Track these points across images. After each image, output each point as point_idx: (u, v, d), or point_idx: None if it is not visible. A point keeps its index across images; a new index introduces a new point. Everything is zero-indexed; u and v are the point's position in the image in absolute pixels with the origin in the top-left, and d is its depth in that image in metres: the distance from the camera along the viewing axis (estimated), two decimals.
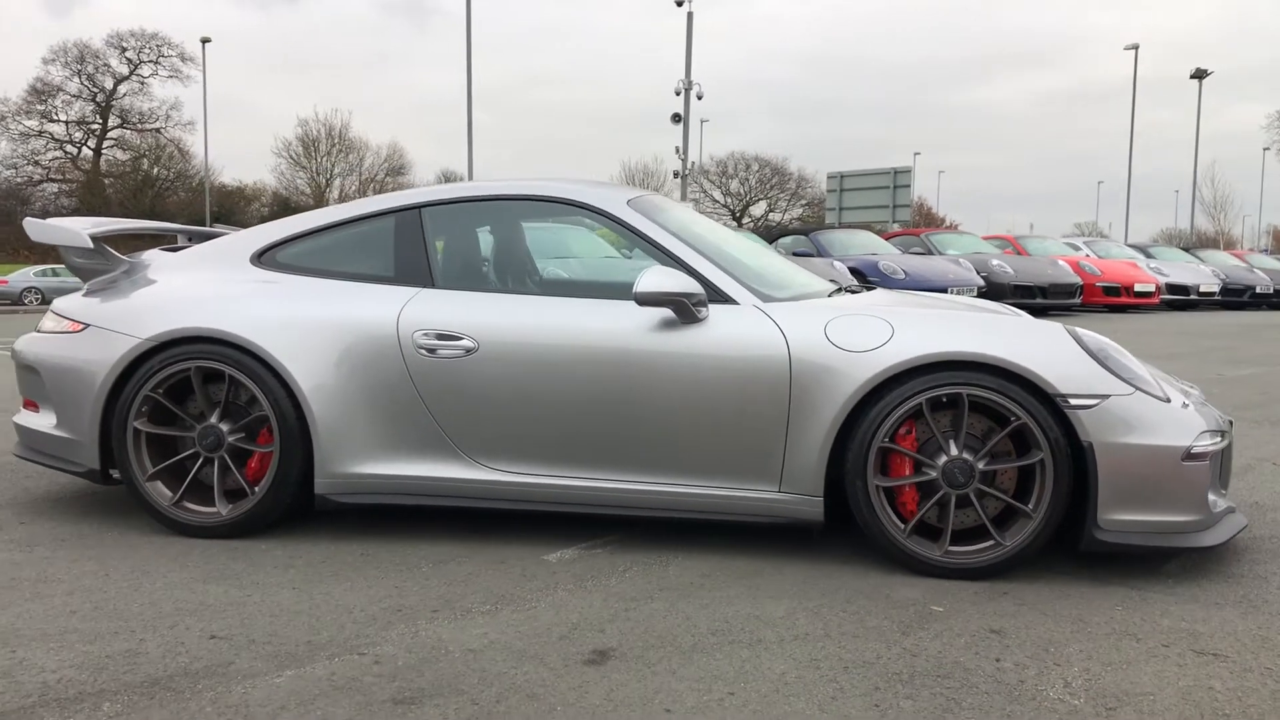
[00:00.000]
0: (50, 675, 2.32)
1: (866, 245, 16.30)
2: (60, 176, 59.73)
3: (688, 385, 3.17)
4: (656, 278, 3.13)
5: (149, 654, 2.44)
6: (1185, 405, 3.13)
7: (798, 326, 3.17)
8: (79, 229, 3.65)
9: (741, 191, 66.45)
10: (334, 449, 3.31)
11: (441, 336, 3.31)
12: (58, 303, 3.73)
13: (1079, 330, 3.17)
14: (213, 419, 3.40)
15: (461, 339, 3.29)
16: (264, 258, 3.62)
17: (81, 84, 58.93)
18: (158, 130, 59.74)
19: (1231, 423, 3.39)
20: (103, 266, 3.75)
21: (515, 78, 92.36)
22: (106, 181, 58.89)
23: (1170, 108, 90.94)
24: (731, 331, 3.19)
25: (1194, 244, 33.31)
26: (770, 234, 17.76)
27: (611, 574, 3.07)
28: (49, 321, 3.67)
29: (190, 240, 4.33)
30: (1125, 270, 18.38)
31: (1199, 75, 38.57)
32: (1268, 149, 58.32)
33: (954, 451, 3.08)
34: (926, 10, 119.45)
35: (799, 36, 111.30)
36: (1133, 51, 39.13)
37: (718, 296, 3.26)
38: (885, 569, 3.12)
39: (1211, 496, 3.09)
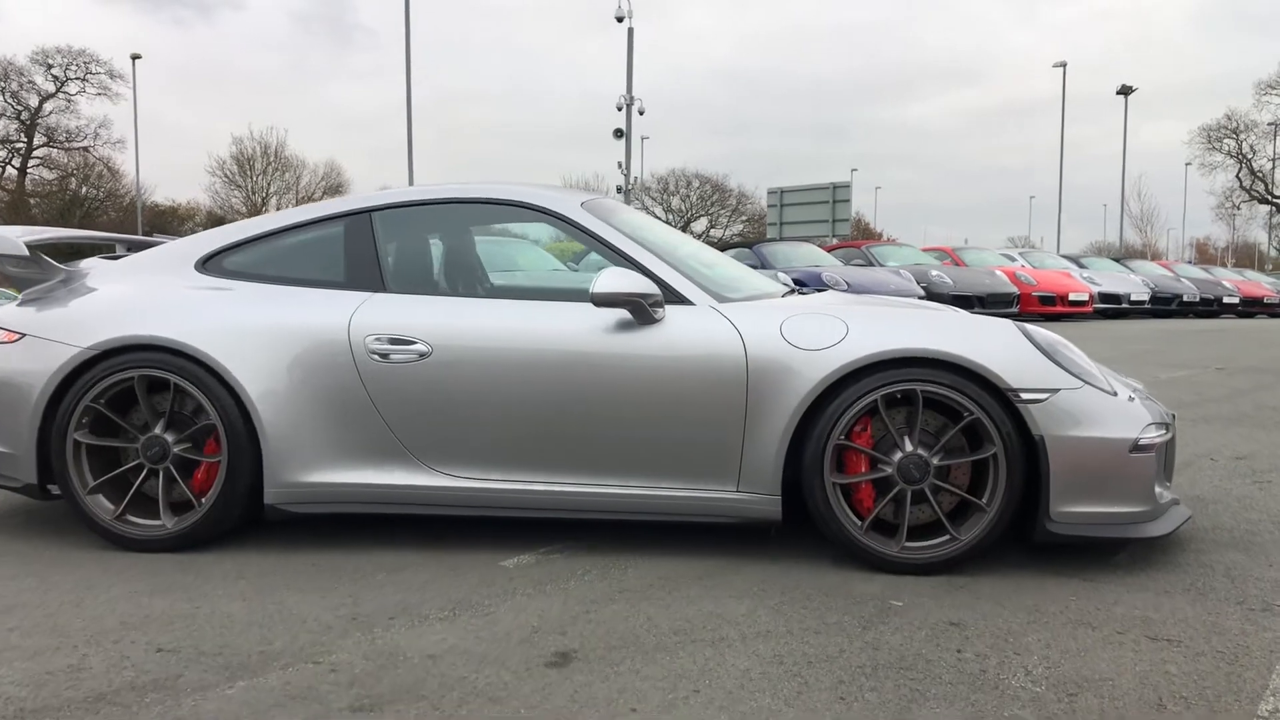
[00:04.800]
0: None
1: (809, 258, 16.49)
2: None
3: (645, 386, 3.16)
4: (613, 279, 3.12)
5: (93, 669, 2.35)
6: (1131, 399, 3.20)
7: (753, 325, 3.18)
8: (13, 237, 3.53)
9: (683, 208, 66.81)
10: (284, 457, 3.24)
11: (394, 341, 3.26)
12: None
13: (1029, 326, 3.22)
14: (157, 429, 3.30)
15: (415, 343, 3.24)
16: (209, 264, 3.54)
17: (5, 101, 57.34)
18: (86, 149, 58.36)
19: (1174, 416, 3.47)
20: (39, 276, 3.64)
21: (447, 95, 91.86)
22: (32, 201, 57.33)
23: (1091, 125, 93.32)
24: (688, 331, 3.19)
25: (1123, 255, 34.31)
26: (715, 248, 17.85)
27: (570, 578, 3.04)
28: None
29: (129, 250, 4.21)
30: (1060, 280, 18.83)
31: (1125, 91, 39.75)
32: (1189, 164, 60.22)
33: (909, 448, 3.10)
34: (849, 30, 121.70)
35: (726, 54, 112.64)
36: (1060, 70, 40.26)
37: (673, 297, 3.26)
38: (843, 566, 3.13)
39: (1158, 488, 3.15)
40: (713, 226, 66.86)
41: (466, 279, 3.87)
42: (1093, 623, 2.67)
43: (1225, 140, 57.34)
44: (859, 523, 3.12)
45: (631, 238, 3.40)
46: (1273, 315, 23.80)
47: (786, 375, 3.10)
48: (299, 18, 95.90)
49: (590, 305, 3.18)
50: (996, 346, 3.10)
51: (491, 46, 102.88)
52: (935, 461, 3.10)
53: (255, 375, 3.23)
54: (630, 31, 25.74)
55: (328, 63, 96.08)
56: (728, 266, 4.03)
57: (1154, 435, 3.11)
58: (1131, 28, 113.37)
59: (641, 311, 3.16)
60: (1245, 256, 68.09)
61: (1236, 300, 22.66)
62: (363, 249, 3.46)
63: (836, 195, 26.32)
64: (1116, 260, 24.56)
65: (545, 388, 3.19)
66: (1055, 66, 40.29)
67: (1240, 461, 4.74)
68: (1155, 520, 3.14)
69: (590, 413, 3.18)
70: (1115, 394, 3.14)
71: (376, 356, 3.25)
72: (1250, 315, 23.17)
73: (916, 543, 3.11)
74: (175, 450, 3.30)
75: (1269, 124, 55.44)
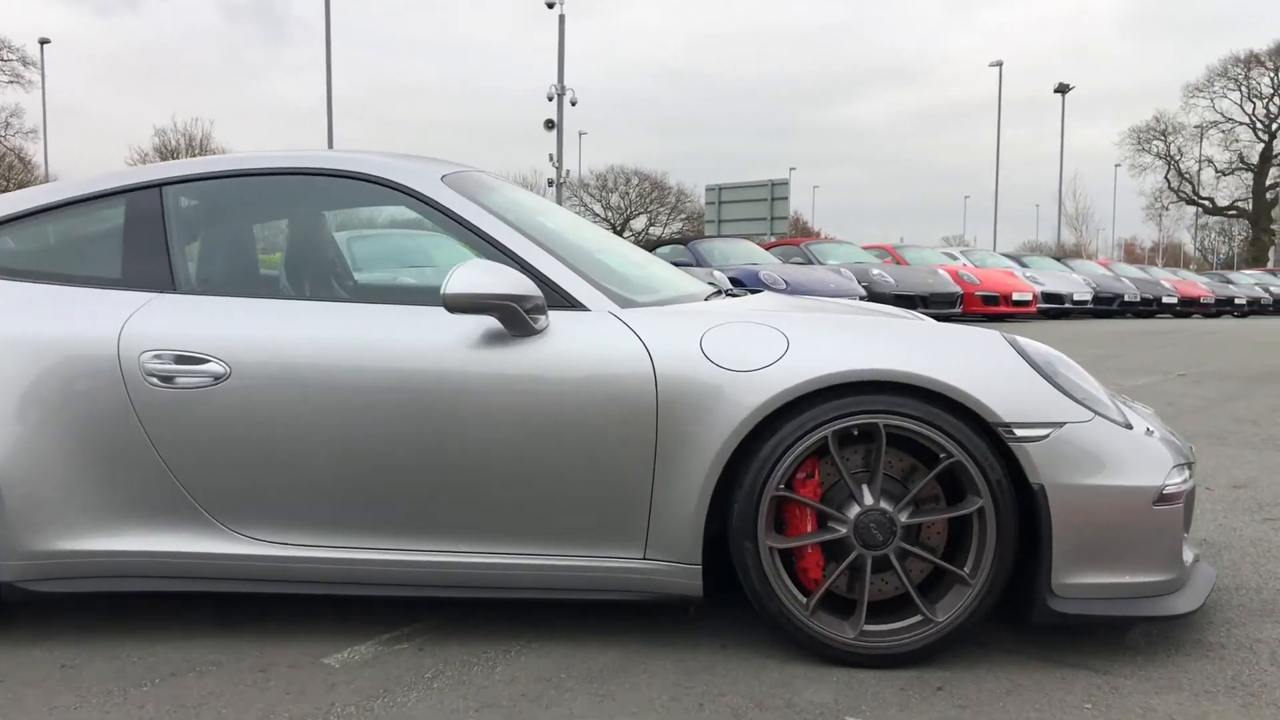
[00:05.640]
0: None
1: (747, 255, 15.81)
2: None
3: (518, 418, 2.36)
4: (474, 274, 2.31)
5: None
6: (1150, 432, 2.49)
7: (666, 338, 2.39)
8: None
9: (622, 205, 65.93)
10: (28, 518, 2.38)
11: (182, 359, 2.41)
12: None
13: (1020, 339, 2.49)
14: None
15: (208, 361, 2.40)
16: None
17: None
18: None
19: (1193, 449, 2.77)
20: None
21: (383, 88, 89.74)
22: None
23: (1023, 127, 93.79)
24: (578, 345, 2.39)
25: (1062, 254, 34.27)
26: (649, 245, 17.17)
27: (414, 684, 2.22)
28: None
29: None
30: (1003, 279, 18.39)
31: (1062, 89, 39.80)
32: (1119, 165, 60.99)
33: (868, 500, 2.35)
34: (791, 30, 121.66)
35: (668, 53, 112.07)
36: (996, 69, 40.23)
37: (561, 300, 2.46)
38: (783, 657, 2.36)
39: (1184, 548, 2.45)
40: (652, 224, 66.28)
41: (317, 277, 3.02)
42: None
43: (1154, 142, 58.26)
44: (804, 600, 2.36)
45: (507, 221, 2.59)
46: (1207, 315, 23.75)
47: (708, 404, 2.33)
48: (230, 9, 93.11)
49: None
50: (982, 366, 2.36)
51: (436, 40, 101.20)
52: (903, 519, 2.35)
53: None
54: (561, 19, 24.88)
55: (262, 55, 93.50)
56: (641, 261, 3.25)
57: (1180, 481, 2.40)
58: (1065, 33, 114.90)
59: (515, 319, 2.36)
60: (1171, 257, 69.28)
61: (1175, 300, 22.54)
62: (147, 235, 2.60)
63: (775, 193, 25.79)
64: (1057, 259, 24.32)
65: (386, 422, 2.38)
66: (992, 65, 40.27)
67: (1240, 491, 4.08)
68: (1182, 591, 2.43)
69: (446, 454, 2.38)
70: (1130, 426, 2.43)
71: (156, 380, 2.40)
72: (1187, 315, 23.07)
73: (879, 625, 2.36)
74: None
75: (1195, 126, 56.42)
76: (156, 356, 2.41)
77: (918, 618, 2.35)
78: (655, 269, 3.20)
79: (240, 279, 2.76)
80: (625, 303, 2.51)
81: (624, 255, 3.21)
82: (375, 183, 2.66)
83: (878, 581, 2.41)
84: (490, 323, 2.40)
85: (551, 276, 2.47)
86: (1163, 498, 2.34)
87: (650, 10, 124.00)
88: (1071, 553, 2.29)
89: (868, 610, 2.35)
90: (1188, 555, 2.50)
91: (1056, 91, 39.62)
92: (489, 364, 2.38)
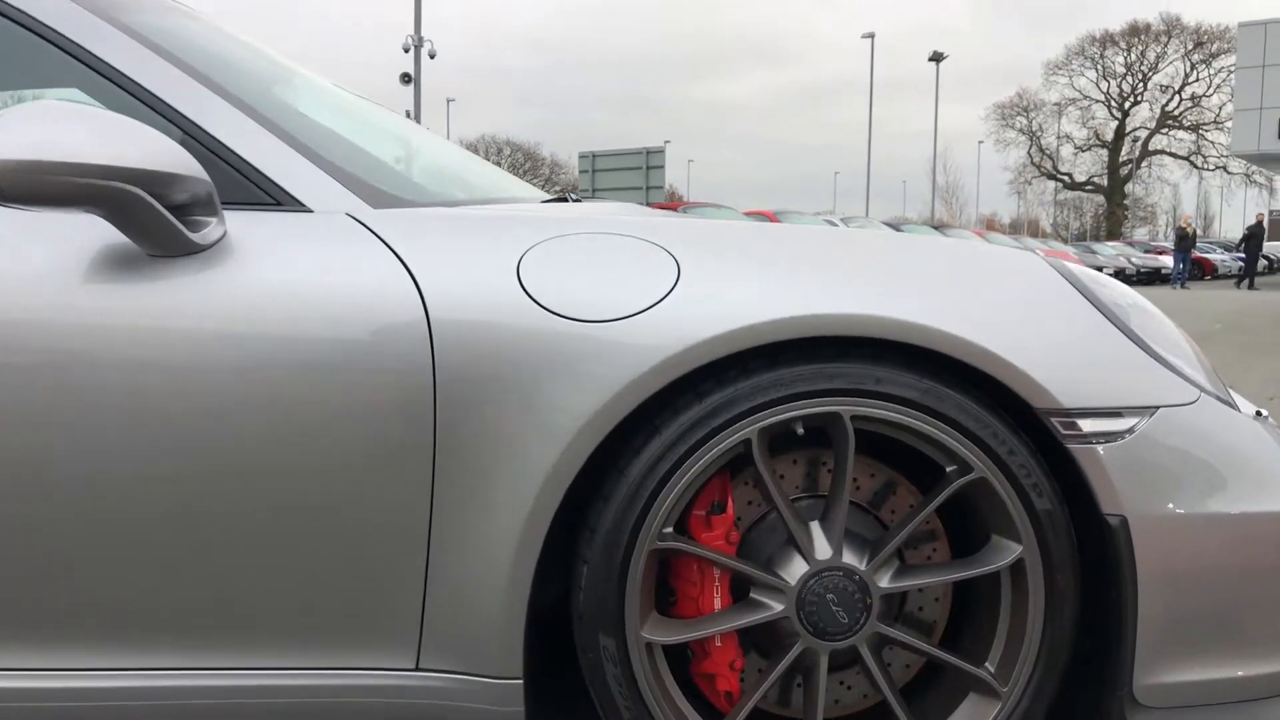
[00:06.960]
0: None
1: None
2: None
3: (167, 412, 1.22)
4: (43, 126, 1.14)
5: None
6: (1261, 415, 1.52)
7: (450, 261, 1.28)
8: None
9: None
10: None
11: None
12: None
13: (1072, 266, 1.46)
14: None
15: None
16: None
17: None
18: None
19: None
20: None
21: None
22: None
23: (888, 106, 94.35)
24: (279, 272, 1.26)
25: (938, 225, 34.45)
26: None
27: None
28: None
29: None
30: None
31: (936, 58, 40.01)
32: (982, 142, 62.50)
33: (823, 550, 1.30)
34: (665, 6, 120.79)
35: (536, 25, 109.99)
36: (868, 40, 40.21)
37: (258, 192, 1.32)
38: None
39: None
40: None
41: None
42: None
43: (1017, 118, 59.77)
44: None
45: (167, 55, 1.41)
46: None
47: (532, 383, 1.23)
48: None
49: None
50: (1021, 311, 1.34)
51: (291, 10, 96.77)
52: (883, 583, 1.31)
53: None
54: None
55: None
56: (443, 155, 2.12)
57: None
58: (925, 17, 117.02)
59: (142, 220, 1.20)
60: (1030, 231, 71.65)
61: None
62: None
63: (650, 161, 25.08)
64: (936, 228, 24.13)
65: None
66: (864, 37, 40.21)
67: None
68: None
69: (34, 485, 1.22)
70: (1236, 408, 1.45)
71: None
72: None
73: None
74: None
75: (1055, 104, 58.09)
76: None
77: None
78: (465, 165, 2.07)
79: None
80: (383, 199, 1.38)
81: (410, 140, 2.07)
82: None
83: (836, 686, 1.38)
84: (105, 233, 1.24)
85: (233, 146, 1.32)
86: None
87: None
88: (1167, 632, 1.31)
89: None
90: None
91: (931, 60, 39.83)
92: (104, 309, 1.23)
